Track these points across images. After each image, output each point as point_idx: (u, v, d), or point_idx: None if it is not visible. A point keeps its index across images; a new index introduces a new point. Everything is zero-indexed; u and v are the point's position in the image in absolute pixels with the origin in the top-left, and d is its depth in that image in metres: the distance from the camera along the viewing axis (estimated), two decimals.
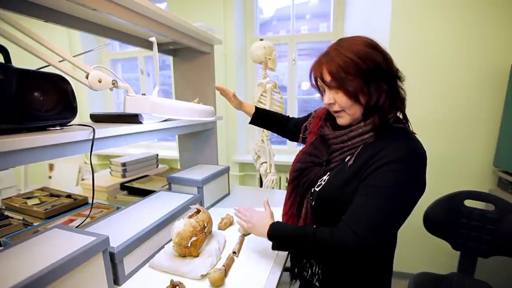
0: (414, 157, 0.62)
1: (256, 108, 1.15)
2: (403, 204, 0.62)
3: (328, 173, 0.72)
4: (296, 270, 0.83)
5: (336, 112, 0.71)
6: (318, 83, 0.70)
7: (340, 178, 0.67)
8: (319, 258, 0.72)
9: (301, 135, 0.98)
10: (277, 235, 0.72)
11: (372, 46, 0.65)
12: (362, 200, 0.62)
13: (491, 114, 1.55)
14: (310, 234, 0.65)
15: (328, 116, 0.81)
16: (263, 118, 1.15)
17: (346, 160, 0.69)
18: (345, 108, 0.68)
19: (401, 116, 0.70)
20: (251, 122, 1.17)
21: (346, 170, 0.67)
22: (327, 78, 0.66)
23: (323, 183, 0.71)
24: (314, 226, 0.74)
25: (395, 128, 0.67)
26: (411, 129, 0.70)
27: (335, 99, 0.68)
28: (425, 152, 0.64)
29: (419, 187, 0.64)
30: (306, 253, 0.72)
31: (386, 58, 0.65)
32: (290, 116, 1.15)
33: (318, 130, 0.83)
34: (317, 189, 0.72)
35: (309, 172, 0.76)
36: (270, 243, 0.73)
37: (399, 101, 0.67)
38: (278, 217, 0.87)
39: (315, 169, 0.76)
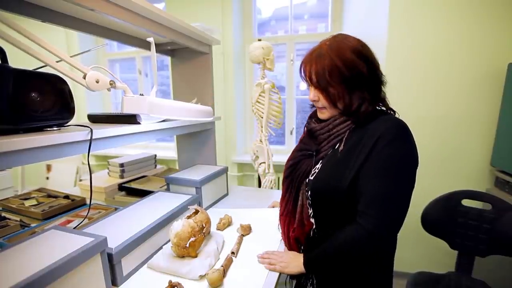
0: (400, 126, 0.66)
1: None
2: (406, 173, 0.64)
3: (320, 161, 0.75)
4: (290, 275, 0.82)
5: (319, 107, 0.76)
6: (306, 77, 0.74)
7: (333, 162, 0.70)
8: (358, 260, 0.68)
9: None
10: (314, 259, 0.72)
11: (359, 54, 0.67)
12: (369, 185, 0.63)
13: (489, 114, 1.55)
14: (341, 240, 0.66)
15: (313, 114, 0.85)
16: None
17: (336, 147, 0.72)
18: (326, 107, 0.73)
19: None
20: None
21: (338, 155, 0.70)
22: (314, 78, 0.70)
23: (316, 171, 0.74)
24: (313, 220, 0.74)
25: (376, 111, 0.72)
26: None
27: (319, 98, 0.73)
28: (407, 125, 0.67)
29: (414, 153, 0.66)
30: (345, 262, 0.69)
31: (370, 67, 0.68)
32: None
33: (305, 128, 0.86)
34: (312, 178, 0.74)
35: (302, 164, 0.79)
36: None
37: (380, 103, 0.73)
38: (276, 218, 0.87)
39: (306, 161, 0.78)
